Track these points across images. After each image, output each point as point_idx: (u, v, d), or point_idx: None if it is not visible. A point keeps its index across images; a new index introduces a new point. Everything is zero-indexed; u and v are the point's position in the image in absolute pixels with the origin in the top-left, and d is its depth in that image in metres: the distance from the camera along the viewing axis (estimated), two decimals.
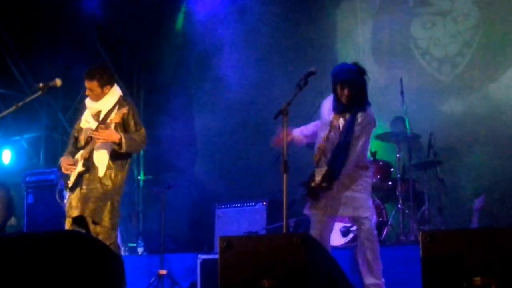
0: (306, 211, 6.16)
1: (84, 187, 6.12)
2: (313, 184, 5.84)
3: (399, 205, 8.16)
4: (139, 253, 9.66)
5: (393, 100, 8.61)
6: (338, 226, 7.95)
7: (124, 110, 6.16)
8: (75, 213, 6.09)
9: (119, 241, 6.51)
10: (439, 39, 9.83)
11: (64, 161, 6.24)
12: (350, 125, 5.85)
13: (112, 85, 6.35)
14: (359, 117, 5.88)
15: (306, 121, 7.19)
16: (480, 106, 9.24)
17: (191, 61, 11.38)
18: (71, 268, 4.18)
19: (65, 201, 6.22)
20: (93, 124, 6.26)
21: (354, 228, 7.94)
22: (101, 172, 6.16)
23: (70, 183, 6.18)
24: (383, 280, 5.82)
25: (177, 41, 11.52)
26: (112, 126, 6.13)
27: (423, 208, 8.32)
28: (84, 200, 6.08)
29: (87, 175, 6.16)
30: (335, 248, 7.73)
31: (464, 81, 9.54)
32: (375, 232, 5.98)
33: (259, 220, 8.76)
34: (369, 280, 5.80)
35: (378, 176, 8.45)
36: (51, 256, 4.18)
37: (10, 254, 4.17)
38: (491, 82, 9.33)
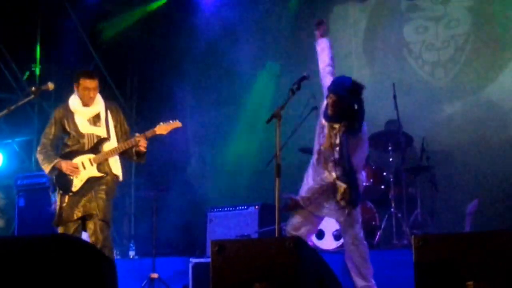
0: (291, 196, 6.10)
1: (92, 188, 6.10)
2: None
3: (391, 209, 8.17)
4: (131, 257, 9.63)
5: (386, 104, 8.60)
6: (330, 230, 7.95)
7: (178, 124, 6.46)
8: (78, 214, 6.06)
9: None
10: (431, 44, 9.85)
11: (67, 164, 6.15)
12: (347, 144, 5.84)
13: None
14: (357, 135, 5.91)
15: (299, 125, 7.20)
16: (472, 111, 9.27)
17: (183, 66, 11.36)
18: (62, 272, 4.16)
19: (59, 204, 6.16)
20: (96, 129, 6.23)
21: None
22: (121, 177, 6.28)
23: (75, 187, 6.12)
24: (373, 282, 5.81)
25: (170, 45, 11.49)
26: (112, 126, 6.19)
27: (416, 212, 8.33)
28: (92, 201, 6.06)
29: (101, 179, 6.14)
30: (328, 252, 7.73)
31: (457, 85, 9.56)
32: (361, 235, 5.96)
33: (251, 223, 8.74)
34: (359, 283, 5.80)
35: (371, 180, 8.45)
36: (42, 259, 4.16)
37: (1, 257, 4.16)
38: (484, 86, 9.36)
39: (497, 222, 7.99)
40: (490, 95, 9.22)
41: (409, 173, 8.52)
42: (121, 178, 6.27)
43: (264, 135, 8.53)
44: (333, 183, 5.82)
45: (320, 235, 8.09)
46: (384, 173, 8.53)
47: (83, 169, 6.13)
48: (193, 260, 8.00)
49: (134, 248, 9.71)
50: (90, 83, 6.18)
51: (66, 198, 6.11)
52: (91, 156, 6.15)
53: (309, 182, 5.98)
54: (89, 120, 6.24)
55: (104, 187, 6.12)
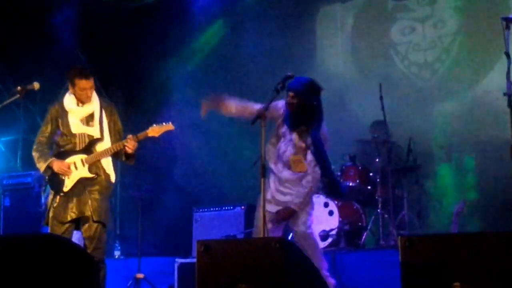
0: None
1: (85, 189, 6.05)
2: None
3: (378, 210, 8.19)
4: (116, 257, 9.60)
5: (373, 105, 8.61)
6: (316, 230, 7.94)
7: (170, 127, 6.38)
8: (72, 215, 6.01)
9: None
10: (418, 45, 9.88)
11: (59, 163, 6.09)
12: (317, 137, 5.88)
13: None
14: (320, 134, 5.93)
15: None
16: (458, 112, 9.30)
17: (169, 64, 11.35)
18: (47, 272, 4.15)
19: (50, 204, 6.12)
20: (88, 129, 6.19)
21: (333, 232, 7.95)
22: (113, 178, 6.21)
23: (66, 187, 6.07)
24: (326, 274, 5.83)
25: (157, 45, 11.47)
26: (106, 126, 6.17)
27: (402, 212, 8.35)
28: (86, 202, 6.01)
29: (92, 180, 6.10)
30: None
31: (443, 86, 9.59)
32: (310, 230, 5.99)
33: (237, 224, 8.74)
34: None
35: (358, 181, 8.46)
36: (27, 259, 4.14)
37: None
38: (470, 87, 9.39)
39: (483, 223, 8.02)
40: (477, 96, 9.25)
41: (396, 173, 8.53)
42: (113, 179, 6.22)
43: (250, 136, 8.52)
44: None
45: None
46: (371, 174, 8.55)
47: (75, 170, 6.08)
48: (179, 260, 7.98)
49: (119, 248, 9.68)
50: (86, 83, 6.11)
51: (58, 199, 6.05)
52: (83, 156, 6.10)
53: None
54: (82, 120, 6.18)
55: (97, 187, 6.07)
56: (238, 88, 10.72)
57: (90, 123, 6.18)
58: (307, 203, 5.95)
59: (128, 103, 11.55)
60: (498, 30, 5.25)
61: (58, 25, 10.89)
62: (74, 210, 5.99)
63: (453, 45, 9.61)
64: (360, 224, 8.21)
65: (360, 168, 8.58)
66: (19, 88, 6.01)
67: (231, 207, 8.95)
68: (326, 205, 8.15)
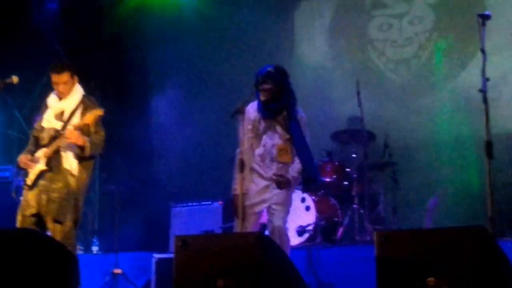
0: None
1: (45, 185, 6.04)
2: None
3: (354, 205, 8.21)
4: (94, 252, 9.57)
5: (350, 101, 8.67)
6: (293, 226, 7.99)
7: (99, 112, 6.10)
8: (32, 210, 6.02)
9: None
10: (395, 41, 9.95)
11: (23, 157, 6.15)
12: (295, 127, 5.89)
13: (76, 79, 6.32)
14: (299, 119, 5.95)
15: None
16: (435, 108, 9.38)
17: (149, 60, 11.33)
18: (23, 266, 4.14)
19: (21, 198, 6.14)
20: (56, 124, 6.18)
21: (309, 227, 7.99)
22: (67, 172, 6.12)
23: (30, 180, 6.08)
24: None
25: (138, 40, 11.44)
26: (78, 121, 6.13)
27: (378, 208, 8.40)
28: (44, 198, 6.01)
29: (50, 174, 6.07)
30: (291, 247, 7.76)
31: (420, 82, 9.67)
32: (286, 226, 5.99)
33: (215, 219, 8.75)
34: None
35: (334, 176, 8.50)
36: (3, 253, 4.13)
37: None
38: (446, 84, 9.47)
39: (457, 219, 8.09)
40: (453, 92, 9.33)
41: (372, 169, 8.59)
42: (74, 172, 6.15)
43: (228, 131, 8.53)
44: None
45: None
46: (347, 169, 8.59)
47: (39, 163, 6.10)
48: (156, 256, 7.98)
49: (97, 243, 9.66)
50: (57, 78, 6.12)
51: (24, 192, 6.10)
52: (44, 149, 6.13)
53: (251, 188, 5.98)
54: (56, 115, 6.19)
55: (57, 184, 6.05)
56: (215, 85, 10.76)
57: (62, 118, 6.20)
58: (290, 195, 5.98)
59: (108, 97, 11.52)
60: (474, 27, 5.30)
61: (38, 19, 10.83)
62: (34, 204, 6.01)
63: (429, 42, 9.69)
64: (336, 219, 8.25)
65: (336, 163, 8.62)
66: None
67: (209, 202, 8.97)
68: (303, 200, 8.17)
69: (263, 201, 5.92)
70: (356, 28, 10.25)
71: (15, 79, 6.06)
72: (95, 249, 9.63)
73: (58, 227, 5.99)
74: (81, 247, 9.68)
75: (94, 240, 9.75)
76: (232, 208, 5.95)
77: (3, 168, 9.28)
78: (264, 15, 10.55)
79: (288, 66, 9.78)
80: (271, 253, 4.56)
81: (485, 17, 5.23)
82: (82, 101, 6.24)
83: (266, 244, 4.54)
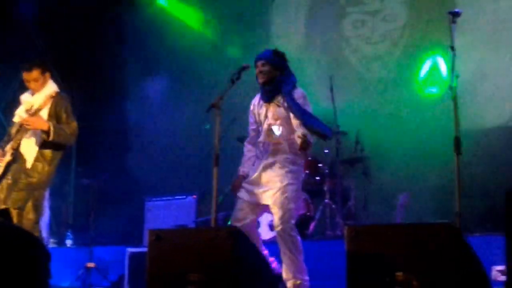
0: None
1: (9, 177, 6.08)
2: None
3: (326, 200, 8.27)
4: (68, 245, 9.57)
5: (323, 96, 8.72)
6: (266, 220, 8.04)
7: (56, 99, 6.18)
8: (1, 205, 6.03)
9: (45, 234, 6.48)
10: (369, 38, 10.02)
11: None
12: (290, 100, 5.71)
13: (49, 76, 6.36)
14: (294, 93, 5.78)
15: (237, 114, 7.24)
16: (406, 104, 9.46)
17: (127, 55, 11.32)
18: None
19: None
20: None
21: None
22: (28, 164, 6.14)
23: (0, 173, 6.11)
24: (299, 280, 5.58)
25: (116, 34, 11.42)
26: (45, 115, 6.14)
27: (349, 203, 8.47)
28: (8, 191, 6.03)
29: (14, 165, 6.12)
30: (263, 242, 7.81)
31: (392, 79, 9.74)
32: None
33: (188, 213, 8.78)
34: (284, 274, 5.61)
35: (306, 171, 8.54)
36: None
37: None
38: (418, 80, 9.54)
39: (427, 214, 8.18)
40: (422, 89, 9.42)
41: (344, 165, 8.65)
42: (28, 165, 6.16)
43: (204, 124, 8.55)
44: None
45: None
46: (320, 165, 8.64)
47: (6, 156, 6.14)
48: (130, 250, 7.99)
49: (71, 236, 9.66)
50: (28, 75, 6.27)
51: None
52: (11, 142, 6.18)
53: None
54: (27, 110, 6.25)
55: (16, 174, 6.10)
56: (189, 77, 10.78)
57: (30, 112, 6.24)
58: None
59: (85, 91, 11.49)
60: (444, 24, 5.37)
61: (18, 12, 10.77)
62: (1, 200, 6.04)
63: (402, 38, 9.77)
64: (308, 214, 8.30)
65: (309, 159, 8.66)
66: None
67: (183, 197, 8.99)
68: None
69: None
70: (330, 24, 10.30)
71: None
72: (69, 242, 9.62)
73: (22, 220, 6.01)
74: (55, 241, 9.68)
75: (68, 233, 9.74)
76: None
77: None
78: (241, 9, 10.59)
79: None
80: (243, 247, 4.61)
81: (455, 15, 5.30)
82: (54, 97, 6.27)
83: (238, 238, 4.59)
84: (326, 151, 8.55)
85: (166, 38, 10.94)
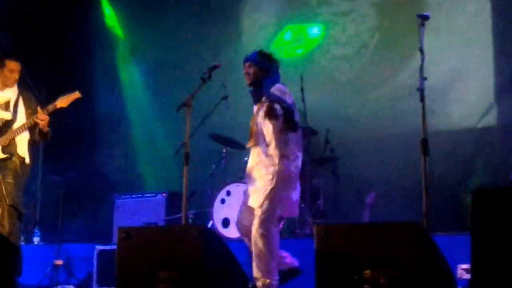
0: None
1: (1, 174, 6.03)
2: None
3: None
4: (35, 243, 9.51)
5: (294, 96, 8.74)
6: (235, 218, 8.06)
7: (77, 95, 6.31)
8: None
9: None
10: (339, 39, 10.08)
11: None
12: (269, 95, 5.66)
13: None
14: (272, 89, 5.74)
15: (208, 113, 7.24)
16: (375, 105, 9.53)
17: (92, 49, 11.27)
18: None
19: None
20: (4, 114, 6.18)
21: None
22: (27, 159, 6.22)
23: None
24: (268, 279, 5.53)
25: (84, 31, 11.36)
26: (23, 111, 6.13)
27: (319, 202, 8.51)
28: (3, 187, 5.98)
29: (6, 162, 6.07)
30: (233, 240, 7.84)
31: (361, 80, 9.81)
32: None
33: (158, 211, 8.77)
34: (255, 273, 5.57)
35: None
36: None
37: None
38: (387, 82, 9.62)
39: (394, 214, 8.25)
40: (391, 91, 9.49)
41: (314, 164, 8.70)
42: (27, 160, 6.20)
43: (174, 123, 8.56)
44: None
45: (226, 223, 8.20)
46: None
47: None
48: (99, 247, 7.98)
49: (39, 234, 9.59)
50: (16, 66, 6.21)
51: None
52: (2, 139, 6.12)
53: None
54: (1, 106, 6.20)
55: (11, 170, 6.07)
56: (160, 77, 10.76)
57: (8, 109, 6.21)
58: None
59: (52, 88, 11.41)
60: (414, 27, 5.42)
61: None
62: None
63: (372, 40, 9.84)
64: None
65: None
66: None
67: (153, 194, 8.98)
68: (245, 193, 8.25)
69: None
70: (301, 25, 10.34)
71: None
72: (36, 240, 9.56)
73: (12, 213, 5.99)
74: (22, 238, 9.61)
75: (36, 230, 9.68)
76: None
77: None
78: (209, 10, 10.60)
79: (234, 59, 9.94)
80: (213, 246, 4.64)
81: (424, 18, 5.36)
82: (19, 89, 6.28)
83: (208, 236, 4.61)
84: None
85: (134, 35, 10.92)
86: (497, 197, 3.98)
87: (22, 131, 6.16)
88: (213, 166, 8.74)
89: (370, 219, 7.88)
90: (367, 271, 4.15)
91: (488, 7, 9.09)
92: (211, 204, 8.33)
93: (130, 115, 10.77)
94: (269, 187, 5.64)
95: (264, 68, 5.89)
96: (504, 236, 3.84)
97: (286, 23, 10.48)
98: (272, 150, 5.70)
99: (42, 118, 6.09)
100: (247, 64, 5.90)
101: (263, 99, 5.77)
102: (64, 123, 10.39)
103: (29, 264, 7.70)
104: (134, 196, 9.12)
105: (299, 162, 5.82)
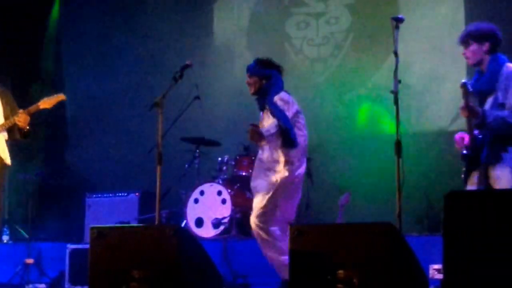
0: None
1: None
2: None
3: None
4: (4, 241, 9.41)
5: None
6: (209, 218, 8.09)
7: (62, 97, 6.29)
8: None
9: None
10: (312, 40, 10.10)
11: None
12: (273, 106, 5.95)
13: None
14: (276, 101, 5.99)
15: (179, 113, 7.22)
16: (349, 107, 9.59)
17: (66, 48, 11.20)
18: None
19: None
20: None
21: (225, 220, 8.08)
22: (8, 161, 6.23)
23: None
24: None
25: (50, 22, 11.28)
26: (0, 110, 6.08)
27: None
28: None
29: None
30: (207, 239, 7.85)
31: (335, 81, 9.84)
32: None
33: (131, 210, 8.74)
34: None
35: (250, 170, 8.58)
36: None
37: None
38: (361, 84, 9.67)
39: (368, 215, 8.30)
40: (364, 93, 9.56)
41: None
42: (8, 161, 6.15)
43: (146, 122, 8.53)
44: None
45: (199, 223, 8.21)
46: None
47: None
48: (70, 246, 7.93)
49: (8, 232, 9.50)
50: None
51: None
52: None
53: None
54: None
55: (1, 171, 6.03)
56: (134, 76, 10.70)
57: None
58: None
59: (20, 84, 11.31)
60: (388, 29, 5.44)
61: None
62: None
63: (345, 41, 9.88)
64: (251, 212, 8.35)
65: (253, 158, 8.70)
66: None
67: (125, 194, 8.94)
68: (219, 193, 8.27)
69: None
70: (274, 24, 10.35)
71: None
72: (5, 238, 9.46)
73: None
74: None
75: (5, 229, 9.58)
76: None
77: None
78: (181, 10, 10.57)
79: (207, 59, 9.94)
80: (187, 245, 4.64)
81: (398, 20, 5.38)
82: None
83: (182, 236, 4.61)
84: None
85: (107, 35, 10.86)
86: (468, 200, 4.08)
87: (1, 131, 6.10)
88: (186, 165, 8.73)
89: (343, 219, 7.92)
90: (341, 271, 4.18)
91: (461, 9, 9.19)
92: (184, 204, 8.34)
93: (102, 112, 10.68)
94: (271, 191, 5.95)
95: (264, 75, 6.09)
96: (475, 237, 3.90)
97: (258, 22, 10.47)
98: (278, 156, 5.97)
99: (22, 120, 6.05)
100: (247, 75, 6.14)
101: (267, 107, 6.03)
102: (31, 119, 10.33)
103: None
104: (106, 195, 9.07)
105: (303, 168, 6.10)
